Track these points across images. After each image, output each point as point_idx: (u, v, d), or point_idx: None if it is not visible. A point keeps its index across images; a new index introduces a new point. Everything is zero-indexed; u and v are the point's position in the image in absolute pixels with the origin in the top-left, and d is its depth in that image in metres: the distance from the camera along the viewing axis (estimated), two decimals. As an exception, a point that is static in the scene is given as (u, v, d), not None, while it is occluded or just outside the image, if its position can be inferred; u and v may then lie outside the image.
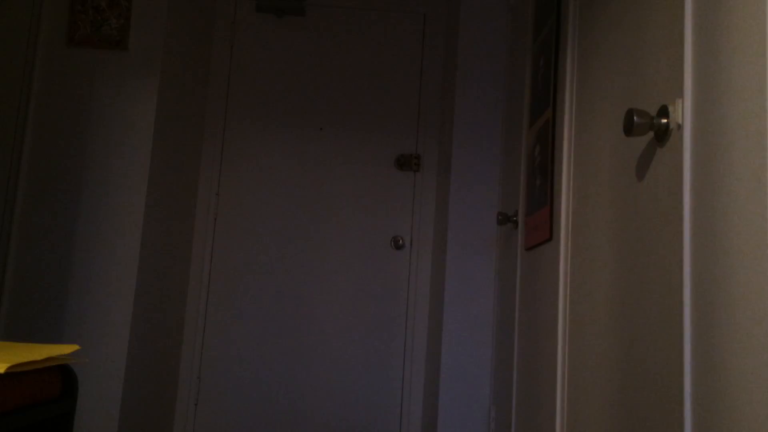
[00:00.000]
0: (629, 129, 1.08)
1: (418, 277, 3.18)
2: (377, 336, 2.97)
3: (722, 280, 0.89)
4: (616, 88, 1.33)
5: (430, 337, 3.01)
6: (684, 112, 1.02)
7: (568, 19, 1.70)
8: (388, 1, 3.20)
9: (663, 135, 1.08)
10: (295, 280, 2.96)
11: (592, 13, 1.53)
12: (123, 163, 2.31)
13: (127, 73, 2.35)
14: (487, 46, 2.63)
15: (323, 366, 2.89)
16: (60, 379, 1.22)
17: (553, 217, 1.72)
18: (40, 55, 2.33)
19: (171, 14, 2.42)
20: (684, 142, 1.01)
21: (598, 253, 1.37)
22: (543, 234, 1.81)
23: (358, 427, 2.89)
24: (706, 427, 0.91)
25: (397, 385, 3.03)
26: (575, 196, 1.58)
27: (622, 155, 1.27)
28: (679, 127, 1.03)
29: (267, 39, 3.08)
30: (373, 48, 3.15)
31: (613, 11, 1.38)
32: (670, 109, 1.05)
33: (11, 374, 1.04)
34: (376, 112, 3.10)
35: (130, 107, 2.34)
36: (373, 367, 2.96)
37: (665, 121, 1.06)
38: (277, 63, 3.06)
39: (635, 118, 1.08)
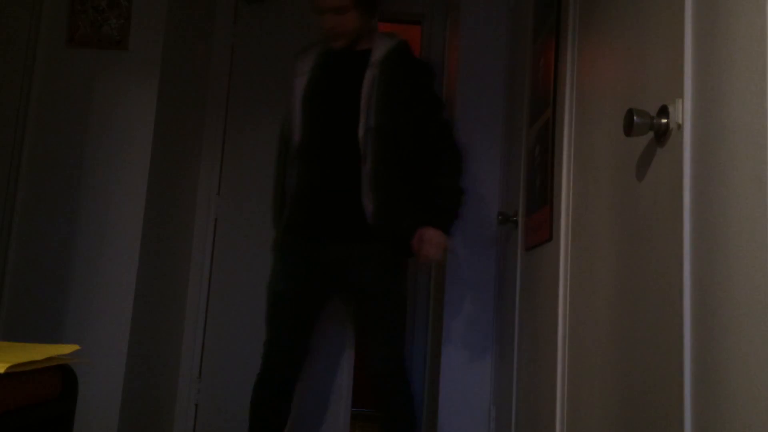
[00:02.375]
0: (629, 129, 1.08)
1: (418, 277, 3.18)
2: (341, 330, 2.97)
3: (722, 280, 0.89)
4: (616, 88, 1.33)
5: (430, 337, 3.01)
6: (684, 112, 1.02)
7: (568, 19, 1.70)
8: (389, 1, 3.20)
9: (663, 135, 1.08)
10: (295, 280, 2.95)
11: (592, 13, 1.53)
12: (123, 163, 2.31)
13: (127, 73, 2.35)
14: (487, 47, 2.63)
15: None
16: (60, 379, 1.22)
17: (553, 217, 1.72)
18: (40, 55, 2.33)
19: (171, 14, 2.42)
20: (684, 142, 1.01)
21: (598, 253, 1.37)
22: (543, 234, 1.81)
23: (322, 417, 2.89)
24: (706, 427, 0.91)
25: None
26: (575, 196, 1.58)
27: (622, 155, 1.27)
28: (679, 127, 1.03)
29: (266, 35, 3.07)
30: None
31: (613, 11, 1.38)
32: (670, 109, 1.05)
33: (11, 374, 1.04)
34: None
35: (130, 107, 2.34)
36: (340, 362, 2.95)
37: (665, 121, 1.06)
38: (276, 59, 3.06)
39: (635, 118, 1.08)
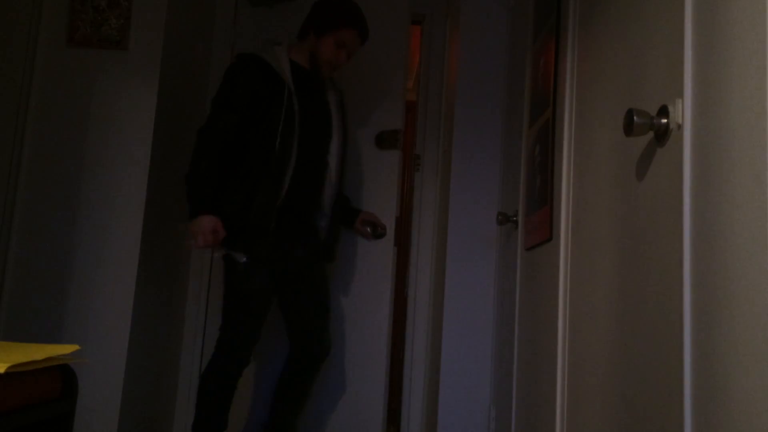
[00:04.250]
0: (629, 129, 1.08)
1: (419, 277, 3.18)
2: (377, 335, 2.97)
3: (722, 280, 0.89)
4: (616, 88, 1.33)
5: (430, 337, 3.01)
6: (684, 112, 1.02)
7: (568, 19, 1.70)
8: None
9: (663, 135, 1.08)
10: (295, 280, 2.95)
11: (592, 13, 1.53)
12: (123, 163, 2.31)
13: (127, 73, 2.35)
14: (487, 47, 2.63)
15: (323, 365, 2.89)
16: (60, 379, 1.22)
17: (553, 217, 1.72)
18: (40, 55, 2.33)
19: (171, 14, 2.42)
20: (684, 142, 1.01)
21: (598, 253, 1.37)
22: (543, 234, 1.81)
23: (357, 426, 2.89)
24: (706, 426, 0.91)
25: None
26: (575, 195, 1.58)
27: (622, 155, 1.27)
28: (679, 127, 1.03)
29: (266, 35, 3.07)
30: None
31: (613, 11, 1.38)
32: (670, 109, 1.05)
33: (11, 374, 1.04)
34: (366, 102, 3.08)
35: (130, 107, 2.34)
36: (373, 366, 2.95)
37: (665, 121, 1.06)
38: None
39: (635, 118, 1.08)
